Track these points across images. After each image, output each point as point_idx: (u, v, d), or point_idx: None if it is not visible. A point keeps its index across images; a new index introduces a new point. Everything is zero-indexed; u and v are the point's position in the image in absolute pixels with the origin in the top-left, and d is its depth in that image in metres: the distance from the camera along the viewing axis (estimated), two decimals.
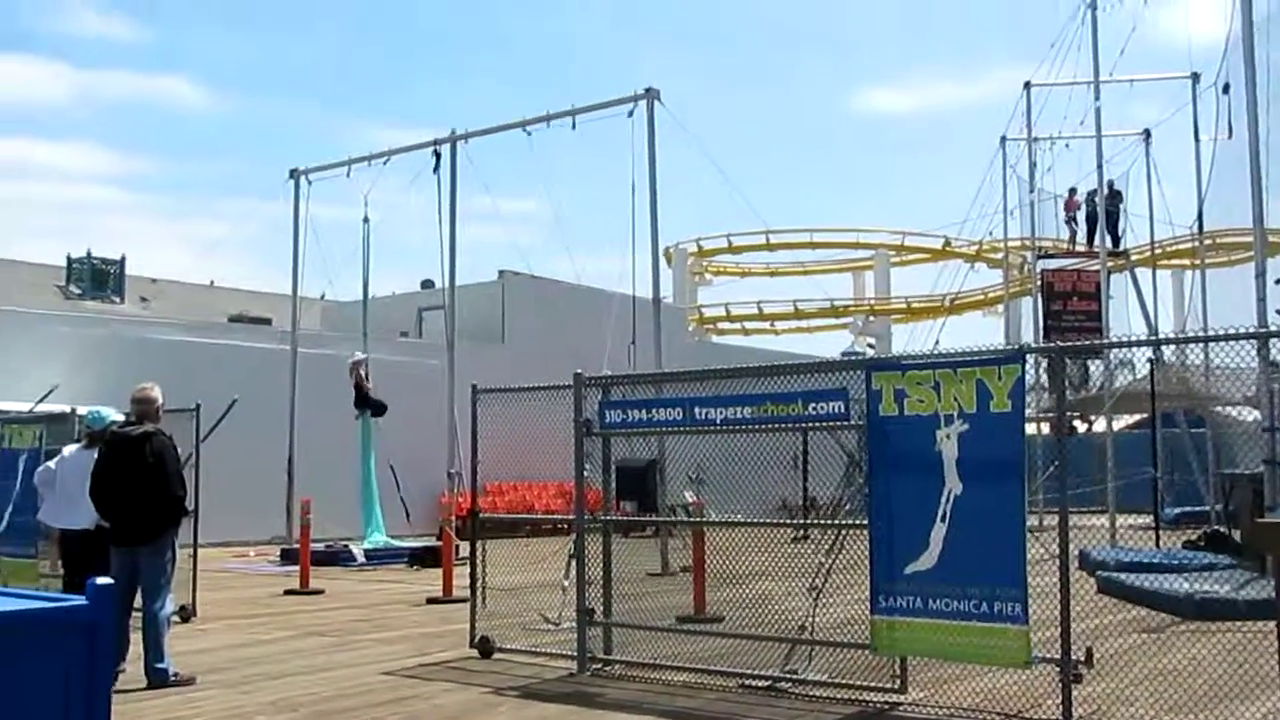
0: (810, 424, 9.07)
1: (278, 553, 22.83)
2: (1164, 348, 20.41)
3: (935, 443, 7.87)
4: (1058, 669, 7.65)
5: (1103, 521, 23.31)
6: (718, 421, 9.25)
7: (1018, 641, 7.51)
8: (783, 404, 8.88)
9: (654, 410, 9.75)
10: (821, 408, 8.69)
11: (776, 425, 9.33)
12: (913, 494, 8.02)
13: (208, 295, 36.88)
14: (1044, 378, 10.56)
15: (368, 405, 23.19)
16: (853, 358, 37.93)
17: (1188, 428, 31.05)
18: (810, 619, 9.17)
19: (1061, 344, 8.12)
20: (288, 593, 16.78)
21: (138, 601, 9.71)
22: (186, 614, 13.23)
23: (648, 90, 21.32)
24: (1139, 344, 8.89)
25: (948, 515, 7.81)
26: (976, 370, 7.77)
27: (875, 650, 8.27)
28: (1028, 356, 7.76)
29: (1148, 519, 27.22)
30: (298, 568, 17.72)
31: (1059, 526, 7.69)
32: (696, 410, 9.34)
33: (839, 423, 8.81)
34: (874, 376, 8.21)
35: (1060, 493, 7.67)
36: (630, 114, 21.50)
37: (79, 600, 4.12)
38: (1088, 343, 9.02)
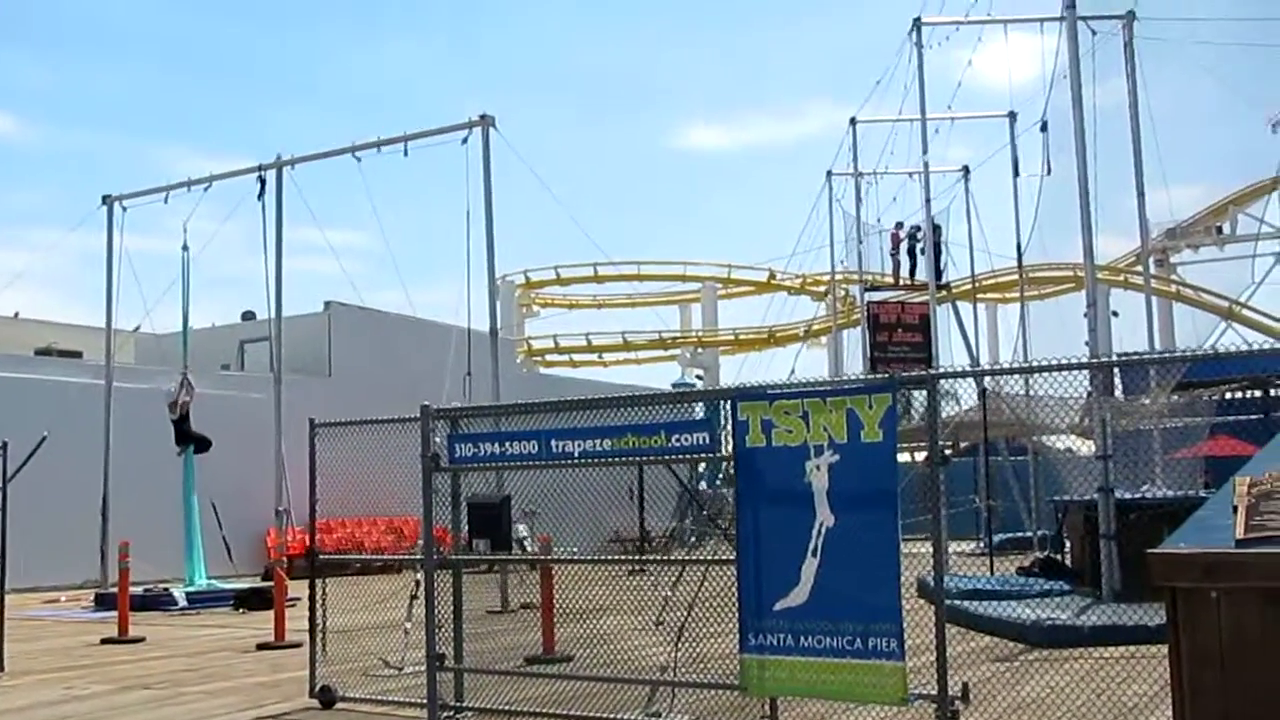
0: (674, 457, 8.75)
1: (92, 598, 21.59)
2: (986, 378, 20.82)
3: (805, 474, 7.62)
4: (932, 704, 7.47)
5: (930, 549, 23.49)
6: (576, 455, 8.85)
7: (894, 678, 7.28)
8: (645, 436, 8.55)
9: (508, 444, 9.30)
10: (685, 439, 8.38)
11: (635, 458, 9.03)
12: (782, 527, 7.74)
13: (10, 328, 34.89)
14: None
15: (189, 441, 22.08)
16: (683, 389, 38.07)
17: (1009, 455, 31.95)
18: (673, 658, 8.85)
19: (934, 372, 7.98)
20: (105, 641, 15.74)
21: None
22: None
23: (483, 117, 20.96)
24: (1010, 371, 8.89)
25: (819, 549, 7.56)
26: (846, 400, 7.56)
27: (746, 691, 7.96)
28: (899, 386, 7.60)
29: (970, 545, 27.85)
30: (115, 614, 16.68)
31: (934, 558, 7.55)
32: (554, 443, 8.94)
33: (705, 455, 8.52)
34: (740, 406, 7.95)
35: (935, 523, 7.51)
36: (465, 141, 21.11)
37: None
38: (960, 370, 8.95)
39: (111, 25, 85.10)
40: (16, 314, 36.76)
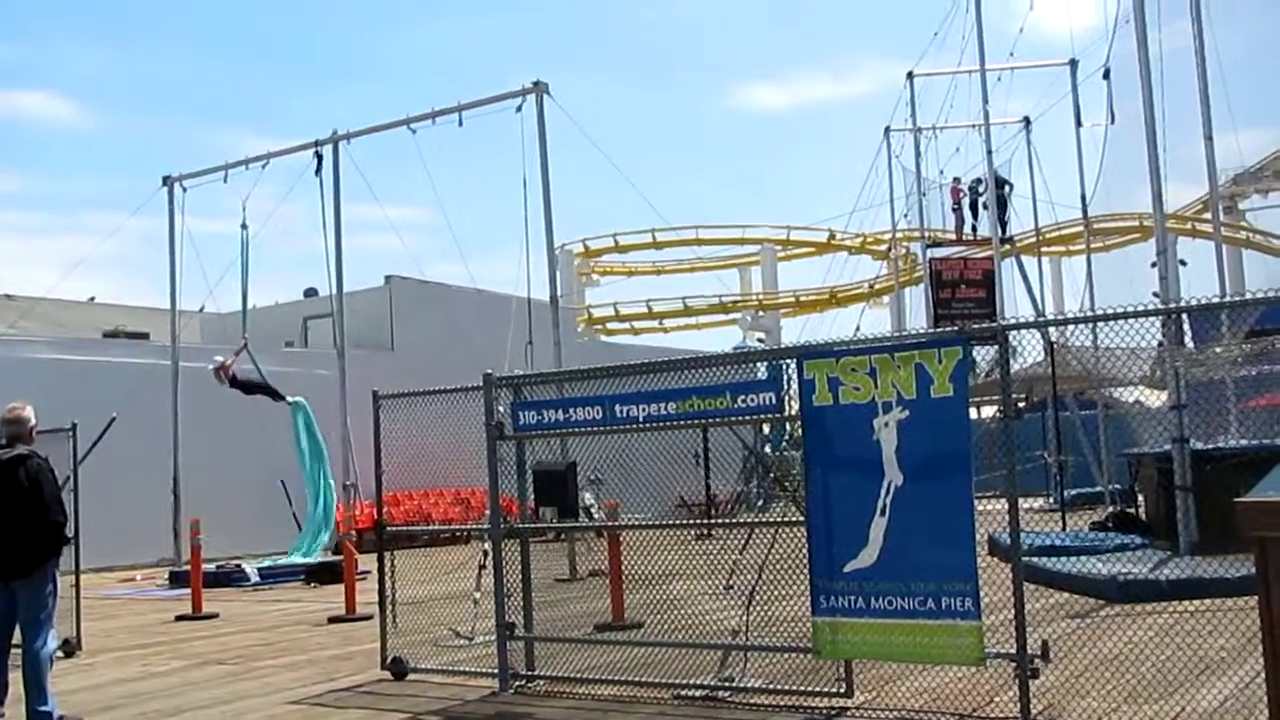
0: (739, 418, 8.62)
1: (166, 575, 21.85)
2: (1052, 331, 20.44)
3: (873, 432, 7.49)
4: (1010, 663, 7.32)
5: (1001, 506, 23.15)
6: (640, 419, 8.77)
7: (970, 638, 7.15)
8: (710, 398, 8.44)
9: (572, 410, 9.23)
10: (751, 400, 8.27)
11: (701, 421, 8.93)
12: (851, 487, 7.62)
13: (84, 312, 35.36)
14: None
15: (265, 390, 22.23)
16: (744, 351, 37.87)
17: (1078, 410, 31.46)
18: (744, 622, 8.75)
19: (1004, 323, 7.79)
20: (180, 618, 15.91)
21: (16, 639, 8.94)
22: (70, 647, 12.42)
23: (536, 84, 20.79)
24: (1080, 320, 8.64)
25: (888, 508, 7.44)
26: (915, 354, 7.40)
27: (819, 654, 7.86)
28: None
29: (1039, 501, 27.50)
30: (189, 591, 16.86)
31: (1009, 514, 7.38)
32: (618, 408, 8.85)
33: (770, 415, 8.38)
34: (806, 365, 7.82)
35: (1009, 479, 7.34)
36: (519, 109, 20.97)
37: None
38: (1030, 321, 8.71)
39: (165, 10, 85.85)
40: (92, 298, 37.27)
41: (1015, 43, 29.62)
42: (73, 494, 12.17)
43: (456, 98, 21.90)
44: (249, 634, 14.20)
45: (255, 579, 20.75)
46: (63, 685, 9.60)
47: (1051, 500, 26.51)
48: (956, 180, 35.50)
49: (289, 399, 22.25)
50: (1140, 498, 19.39)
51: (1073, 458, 28.66)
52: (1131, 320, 7.53)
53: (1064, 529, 19.44)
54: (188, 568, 18.06)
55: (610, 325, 51.42)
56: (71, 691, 9.85)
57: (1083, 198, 31.41)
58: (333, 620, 14.63)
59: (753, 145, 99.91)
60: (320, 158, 23.68)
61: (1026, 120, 34.27)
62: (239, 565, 21.26)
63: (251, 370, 22.48)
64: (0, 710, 8.70)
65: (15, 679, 8.75)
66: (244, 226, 24.13)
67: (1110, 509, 20.50)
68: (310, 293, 35.38)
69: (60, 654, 10.67)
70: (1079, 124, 30.58)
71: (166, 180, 25.93)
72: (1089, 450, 29.82)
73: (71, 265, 42.04)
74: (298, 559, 21.95)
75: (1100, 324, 8.60)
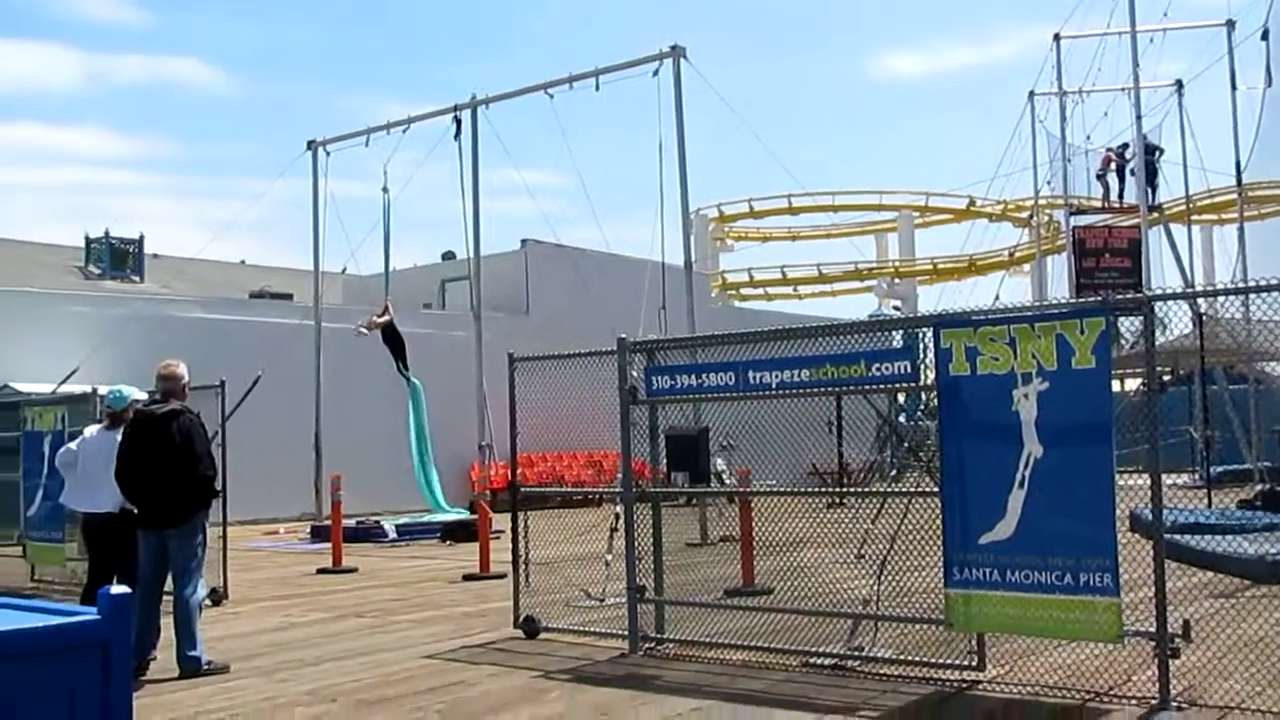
0: (873, 386, 8.53)
1: (308, 530, 22.50)
2: (1201, 302, 19.79)
3: (1012, 403, 7.34)
4: (1149, 642, 7.15)
5: (1144, 481, 22.41)
6: (773, 386, 8.73)
7: (1108, 615, 6.99)
8: (844, 365, 8.37)
9: (704, 375, 9.23)
10: (886, 368, 8.18)
11: (834, 388, 8.86)
12: (988, 458, 7.48)
13: (235, 273, 36.50)
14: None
15: (400, 349, 22.80)
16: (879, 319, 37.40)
17: (1227, 384, 30.49)
18: (876, 592, 8.69)
19: (1150, 294, 7.57)
20: (320, 571, 16.38)
21: (168, 586, 9.32)
22: (218, 596, 12.86)
23: (673, 48, 20.74)
24: (1231, 292, 8.37)
25: (1026, 480, 7.29)
26: (1056, 325, 7.23)
27: (951, 626, 7.76)
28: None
29: (1186, 478, 26.72)
30: (329, 545, 17.34)
31: (1152, 489, 7.19)
32: (750, 374, 8.83)
33: (906, 384, 8.29)
34: (943, 334, 7.68)
35: (1152, 452, 7.15)
36: (655, 73, 20.95)
37: (89, 614, 3.56)
38: (1178, 292, 8.33)
39: None
40: (243, 261, 38.47)
41: (1170, 2, 28.51)
42: (220, 449, 12.59)
43: (594, 62, 21.98)
44: (386, 589, 14.55)
45: (393, 535, 21.23)
46: (210, 633, 9.93)
47: (1197, 477, 25.75)
48: (1109, 149, 34.56)
49: (411, 378, 22.75)
50: None
51: (1220, 433, 27.80)
52: None
53: (1209, 506, 18.87)
54: (328, 523, 18.56)
55: (744, 291, 51.20)
56: (219, 639, 10.19)
57: (1237, 164, 30.40)
58: (467, 578, 14.91)
59: (890, 112, 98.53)
60: (459, 122, 24.01)
61: (1179, 83, 33.20)
62: (378, 521, 21.77)
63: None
64: (153, 654, 9.07)
65: (166, 624, 9.13)
66: (385, 190, 24.62)
67: (1259, 487, 19.87)
68: (448, 256, 35.94)
69: (208, 602, 11.06)
70: (1234, 87, 29.57)
71: (310, 144, 26.54)
72: (1238, 426, 28.93)
73: (220, 227, 43.33)
74: (436, 517, 22.43)
75: (1253, 295, 8.32)
